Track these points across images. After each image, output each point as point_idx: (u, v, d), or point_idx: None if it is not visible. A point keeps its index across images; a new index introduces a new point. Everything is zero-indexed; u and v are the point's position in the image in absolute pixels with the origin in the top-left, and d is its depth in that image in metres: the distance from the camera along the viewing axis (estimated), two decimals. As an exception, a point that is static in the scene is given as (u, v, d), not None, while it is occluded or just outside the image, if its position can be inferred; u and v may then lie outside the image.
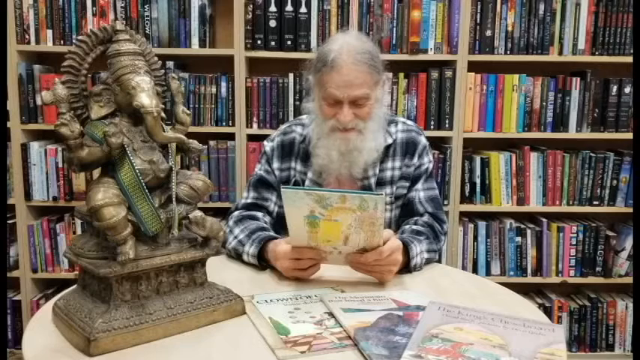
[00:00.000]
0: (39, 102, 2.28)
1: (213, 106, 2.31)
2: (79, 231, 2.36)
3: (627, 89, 2.33)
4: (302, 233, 1.24)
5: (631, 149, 2.36)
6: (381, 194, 1.17)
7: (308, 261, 1.30)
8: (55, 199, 2.33)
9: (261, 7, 2.24)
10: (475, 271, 2.41)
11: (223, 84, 2.29)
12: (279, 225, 1.55)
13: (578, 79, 2.34)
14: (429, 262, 1.47)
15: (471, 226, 2.41)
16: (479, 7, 2.28)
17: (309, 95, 1.62)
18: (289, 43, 2.26)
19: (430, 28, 2.28)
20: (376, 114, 1.51)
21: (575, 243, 2.41)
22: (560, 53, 2.32)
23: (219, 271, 1.23)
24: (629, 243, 2.43)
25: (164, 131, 1.04)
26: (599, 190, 2.39)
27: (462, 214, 2.42)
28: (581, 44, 2.31)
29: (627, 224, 2.47)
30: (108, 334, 0.96)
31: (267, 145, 1.64)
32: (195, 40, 2.28)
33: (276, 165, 1.61)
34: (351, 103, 1.45)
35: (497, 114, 2.33)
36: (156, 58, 1.14)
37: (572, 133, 2.35)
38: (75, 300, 1.06)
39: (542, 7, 2.28)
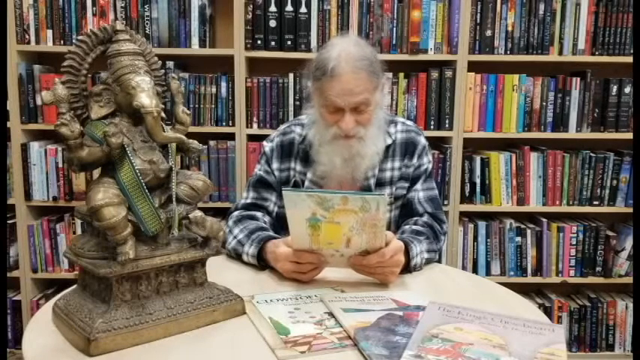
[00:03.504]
0: (39, 102, 2.28)
1: (213, 106, 2.31)
2: (79, 231, 2.36)
3: (627, 89, 2.33)
4: (304, 236, 1.23)
5: (631, 149, 2.36)
6: (383, 194, 1.17)
7: (308, 265, 1.30)
8: (55, 199, 2.33)
9: (261, 7, 2.24)
10: (475, 271, 2.41)
11: (223, 84, 2.29)
12: (279, 225, 1.56)
13: (578, 79, 2.34)
14: (429, 262, 1.48)
15: (470, 226, 2.41)
16: (479, 7, 2.28)
17: (308, 101, 1.62)
18: (289, 43, 2.26)
19: (430, 28, 2.28)
20: (376, 118, 1.52)
21: (575, 243, 2.41)
22: (560, 53, 2.32)
23: (219, 271, 1.23)
24: (629, 243, 2.43)
25: (164, 131, 1.04)
26: (599, 190, 2.39)
27: (462, 214, 2.42)
28: (581, 44, 2.31)
29: (627, 224, 2.47)
30: (108, 334, 0.96)
31: (267, 146, 1.64)
32: (195, 40, 2.28)
33: (275, 165, 1.61)
34: (352, 110, 1.45)
35: (497, 114, 2.33)
36: (156, 58, 1.14)
37: (572, 133, 2.35)
38: (75, 300, 1.06)
39: (542, 7, 2.28)
